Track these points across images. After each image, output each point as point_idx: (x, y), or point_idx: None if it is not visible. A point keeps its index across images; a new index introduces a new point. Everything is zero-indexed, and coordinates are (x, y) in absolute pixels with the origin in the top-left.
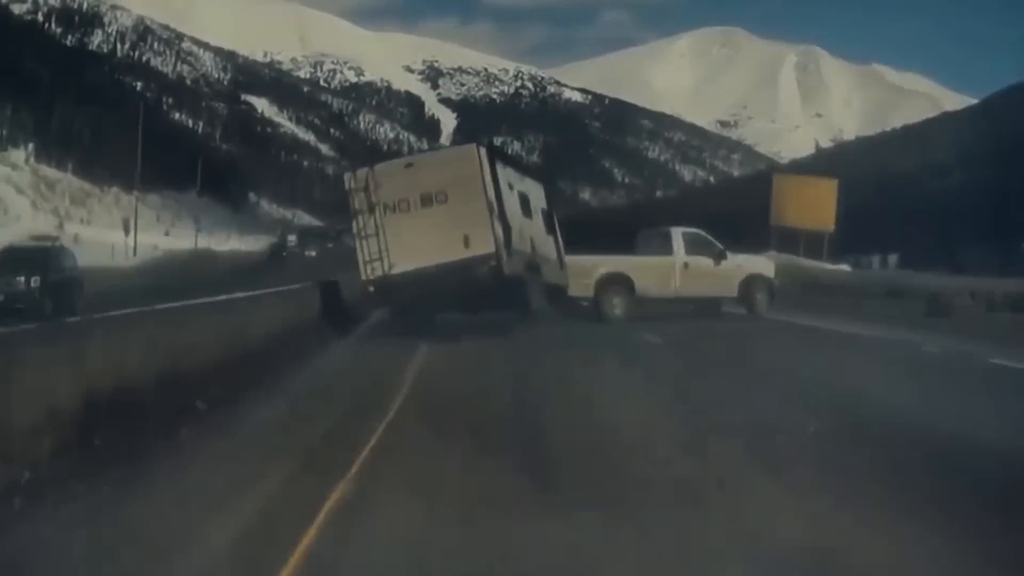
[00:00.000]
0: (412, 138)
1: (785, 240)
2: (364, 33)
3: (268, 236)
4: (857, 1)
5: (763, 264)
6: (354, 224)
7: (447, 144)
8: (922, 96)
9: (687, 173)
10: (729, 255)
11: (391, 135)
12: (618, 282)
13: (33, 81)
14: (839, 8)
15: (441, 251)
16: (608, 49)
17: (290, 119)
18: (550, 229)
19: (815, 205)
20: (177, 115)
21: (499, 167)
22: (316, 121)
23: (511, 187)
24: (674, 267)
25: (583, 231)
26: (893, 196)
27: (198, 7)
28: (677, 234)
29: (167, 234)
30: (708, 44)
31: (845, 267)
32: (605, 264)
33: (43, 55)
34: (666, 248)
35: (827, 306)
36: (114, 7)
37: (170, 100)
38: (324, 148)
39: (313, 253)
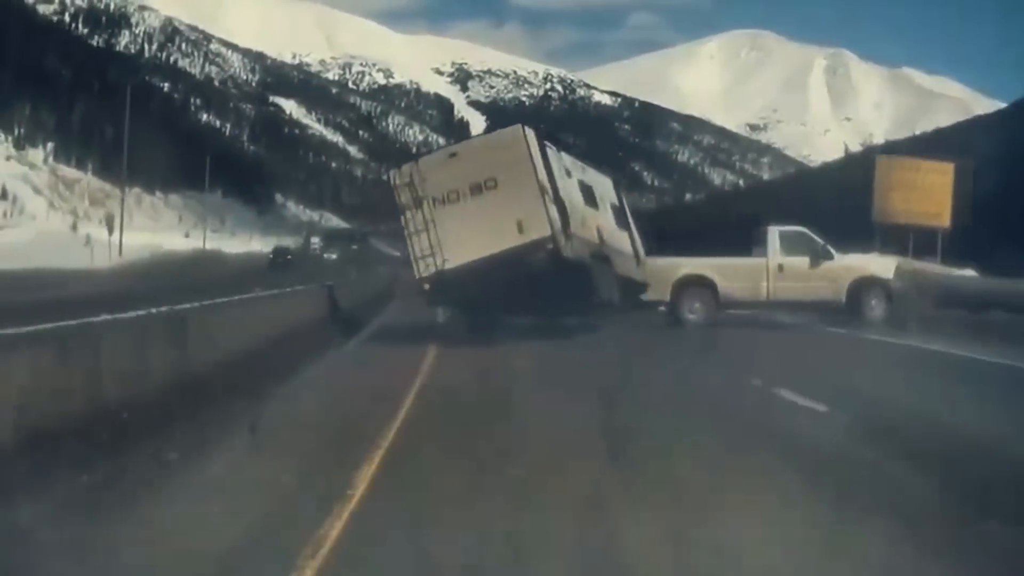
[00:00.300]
0: (441, 140)
1: (890, 239)
2: (393, 35)
3: (293, 237)
4: (887, 5)
5: (878, 264)
6: (403, 220)
7: None
8: (952, 100)
9: (716, 176)
10: (837, 255)
11: (420, 137)
12: (699, 285)
13: (55, 81)
14: (868, 12)
15: (495, 240)
16: (637, 52)
17: (318, 121)
18: (623, 224)
19: (926, 195)
20: (204, 116)
21: (552, 151)
22: (344, 123)
23: (568, 173)
24: (765, 269)
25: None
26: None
27: (226, 9)
28: (774, 233)
29: (187, 235)
30: (737, 47)
31: (971, 272)
32: (685, 265)
33: (68, 55)
34: (760, 248)
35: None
36: (142, 8)
37: (197, 101)
38: (353, 150)
39: (334, 256)
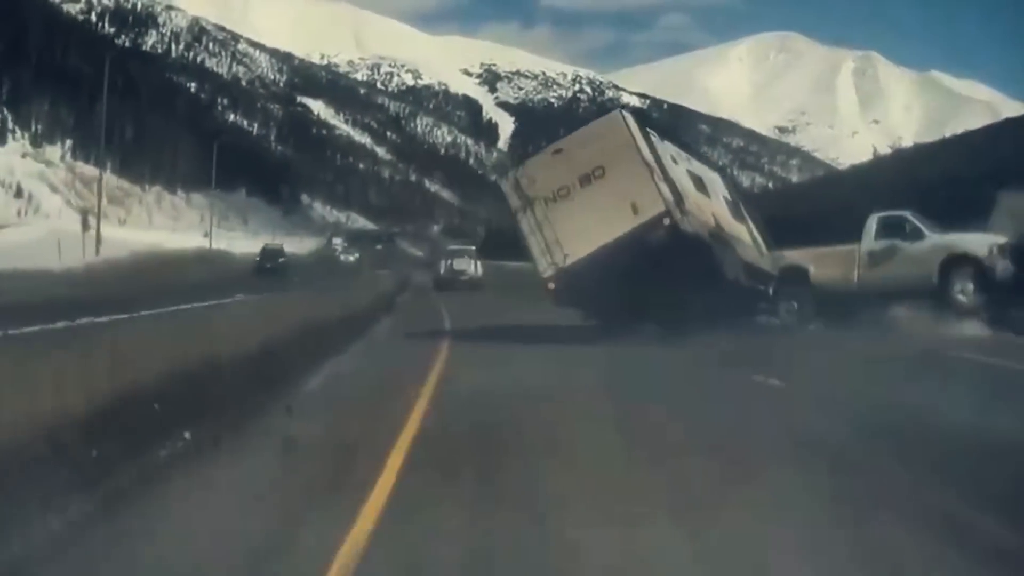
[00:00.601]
0: (470, 141)
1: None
2: (421, 36)
3: (317, 238)
4: (915, 7)
5: (973, 241)
6: (518, 222)
7: (504, 149)
8: (981, 103)
9: (745, 179)
10: (931, 234)
11: (448, 138)
12: (793, 275)
13: (76, 78)
14: (897, 14)
15: (612, 227)
16: (667, 53)
17: (346, 122)
18: (739, 216)
19: None
20: (231, 116)
21: (654, 137)
22: (373, 124)
23: (675, 160)
24: (855, 255)
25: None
26: (961, 202)
27: (254, 9)
28: (872, 219)
29: (205, 235)
30: (766, 49)
31: None
32: (785, 256)
33: (91, 54)
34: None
35: None
36: (169, 7)
37: (224, 101)
38: (381, 151)
39: (351, 257)
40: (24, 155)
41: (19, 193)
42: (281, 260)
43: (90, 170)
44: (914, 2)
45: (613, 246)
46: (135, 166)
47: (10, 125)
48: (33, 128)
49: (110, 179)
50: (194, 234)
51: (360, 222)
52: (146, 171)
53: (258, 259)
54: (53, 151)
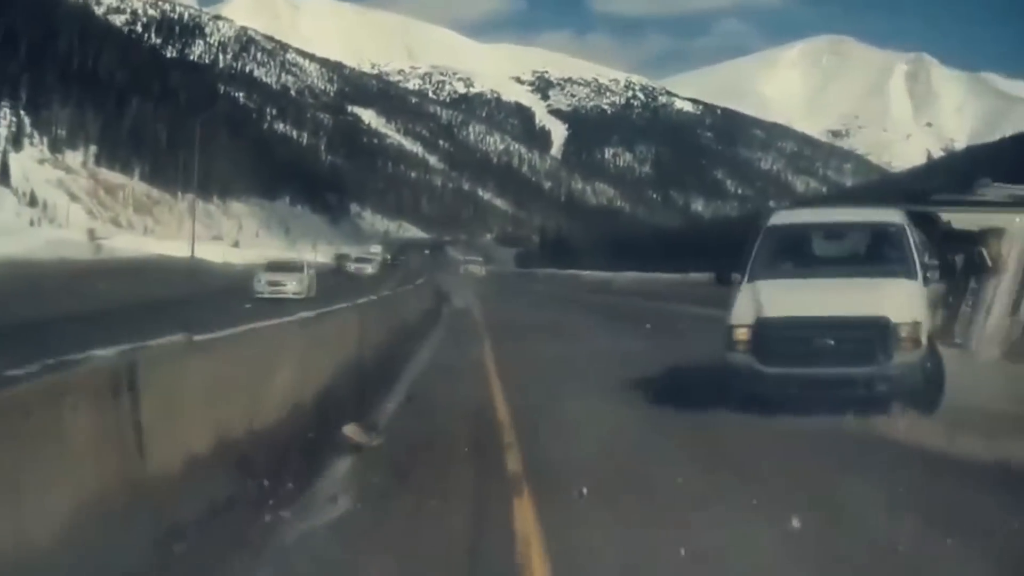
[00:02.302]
0: (522, 149)
1: None
2: (473, 44)
3: (360, 247)
4: (964, 9)
5: None
6: None
7: (557, 156)
8: None
9: (799, 184)
10: None
11: (501, 146)
12: None
13: (105, 85)
14: (947, 16)
15: None
16: (720, 59)
17: (397, 130)
18: None
19: None
20: (280, 125)
21: None
22: (424, 133)
23: None
24: None
25: None
26: None
27: (303, 19)
28: None
29: (236, 245)
30: (818, 53)
31: None
32: None
33: (126, 61)
34: None
35: None
36: (216, 18)
37: (272, 111)
38: (432, 160)
39: (369, 268)
40: (41, 161)
41: (33, 201)
42: None
43: (115, 177)
44: (963, 4)
45: None
46: (168, 174)
47: (27, 130)
48: (53, 133)
49: (138, 187)
50: (223, 243)
51: (412, 231)
52: (179, 179)
53: None
54: (74, 157)
